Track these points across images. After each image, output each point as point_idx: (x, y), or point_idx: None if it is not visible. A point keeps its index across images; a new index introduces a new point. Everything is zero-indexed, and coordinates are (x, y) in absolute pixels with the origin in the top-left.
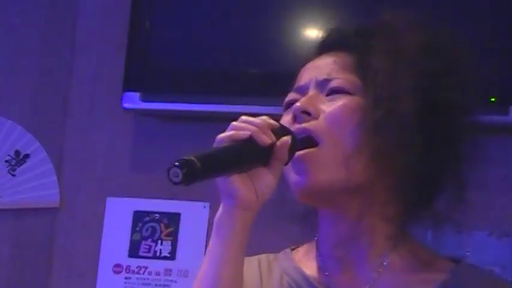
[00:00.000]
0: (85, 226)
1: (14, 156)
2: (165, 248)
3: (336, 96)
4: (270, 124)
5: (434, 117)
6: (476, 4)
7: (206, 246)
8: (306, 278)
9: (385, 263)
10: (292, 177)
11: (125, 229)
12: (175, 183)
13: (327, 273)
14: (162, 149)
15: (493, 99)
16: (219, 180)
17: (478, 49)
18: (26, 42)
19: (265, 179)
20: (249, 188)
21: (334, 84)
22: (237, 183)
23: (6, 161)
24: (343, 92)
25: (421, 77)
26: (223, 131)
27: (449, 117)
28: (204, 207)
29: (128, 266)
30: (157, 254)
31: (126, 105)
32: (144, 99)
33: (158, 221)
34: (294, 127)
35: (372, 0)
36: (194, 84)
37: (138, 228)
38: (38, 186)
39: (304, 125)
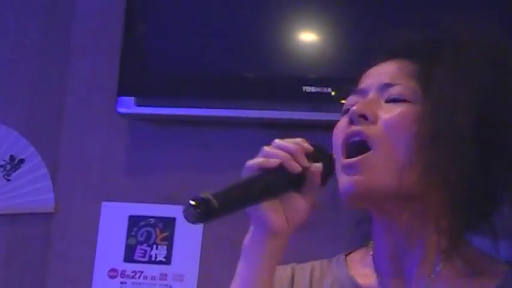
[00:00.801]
0: (80, 231)
1: (8, 161)
2: (160, 252)
3: (395, 104)
4: (304, 148)
5: (492, 133)
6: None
7: (202, 250)
8: (357, 285)
9: (437, 270)
10: (343, 179)
11: (120, 234)
12: (191, 223)
13: (380, 280)
14: (158, 153)
15: None
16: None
17: None
18: (21, 47)
19: (297, 205)
20: (280, 215)
21: (395, 90)
22: (266, 210)
23: (1, 166)
24: (403, 99)
25: (482, 91)
26: (218, 135)
27: (506, 133)
28: None
29: (123, 271)
30: (153, 259)
31: (121, 110)
32: (139, 104)
33: (153, 226)
34: (349, 129)
35: (370, 5)
36: (189, 88)
37: (133, 233)
38: (32, 191)
39: (360, 127)
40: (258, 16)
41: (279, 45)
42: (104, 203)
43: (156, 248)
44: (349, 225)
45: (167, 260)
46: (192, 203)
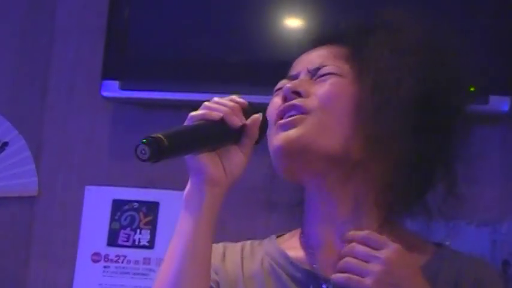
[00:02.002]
0: (63, 214)
1: None
2: (144, 237)
3: (325, 77)
4: (241, 103)
5: (430, 109)
6: None
7: None
8: (287, 257)
9: None
10: (277, 136)
11: (103, 218)
12: (143, 161)
13: (311, 251)
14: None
15: (472, 89)
16: (188, 157)
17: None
18: (5, 30)
19: (235, 157)
20: (217, 165)
21: (324, 70)
22: (204, 159)
23: None
24: (332, 73)
25: (419, 68)
26: None
27: (444, 110)
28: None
29: (107, 255)
30: (136, 243)
31: (105, 93)
32: (123, 88)
33: (137, 210)
34: (282, 105)
35: None
36: (173, 72)
37: (117, 217)
38: (16, 174)
39: (294, 101)
40: (243, 0)
41: (264, 29)
42: (87, 187)
43: (140, 233)
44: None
45: (150, 245)
46: (144, 141)
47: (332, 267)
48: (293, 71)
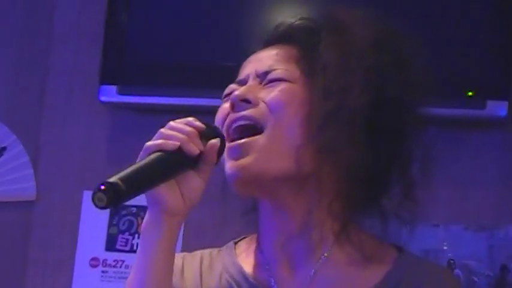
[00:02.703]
0: (62, 219)
1: None
2: None
3: (275, 83)
4: (198, 128)
5: (383, 113)
6: (454, 0)
7: (182, 239)
8: (244, 275)
9: (325, 256)
10: (229, 164)
11: (101, 222)
12: (101, 208)
13: (267, 267)
14: (139, 142)
15: (470, 94)
16: None
17: (455, 44)
18: (3, 35)
19: (193, 183)
20: (176, 193)
21: (273, 75)
22: (163, 190)
23: None
24: (281, 79)
25: (370, 71)
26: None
27: (397, 113)
28: None
29: (105, 260)
30: (135, 248)
31: (103, 98)
32: (121, 93)
33: (135, 215)
34: (233, 116)
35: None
36: (171, 77)
37: (115, 222)
38: (14, 179)
39: (243, 112)
40: (240, 5)
41: (261, 34)
42: (85, 192)
43: (138, 237)
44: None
45: None
46: (102, 187)
47: (289, 285)
48: (242, 75)
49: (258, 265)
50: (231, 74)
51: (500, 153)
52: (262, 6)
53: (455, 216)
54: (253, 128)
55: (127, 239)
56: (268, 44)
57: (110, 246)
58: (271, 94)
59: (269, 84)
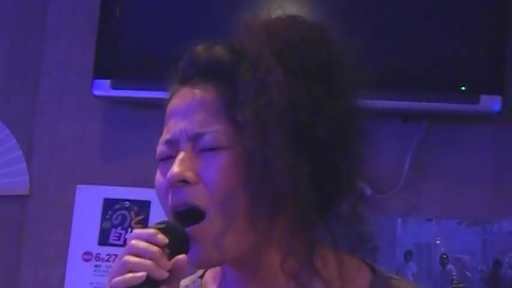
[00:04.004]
0: (55, 214)
1: None
2: None
3: (211, 154)
4: (162, 243)
5: (315, 145)
6: None
7: None
8: None
9: None
10: (188, 257)
11: (95, 217)
12: None
13: None
14: (133, 136)
15: (463, 88)
16: None
17: (449, 38)
18: None
19: None
20: None
21: (206, 141)
22: None
23: None
24: (217, 148)
25: (293, 104)
26: None
27: (327, 140)
28: None
29: (98, 254)
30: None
31: (96, 92)
32: (115, 87)
33: (128, 209)
34: (172, 199)
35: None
36: (165, 72)
37: (108, 216)
38: (7, 173)
39: (184, 195)
40: (236, 0)
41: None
42: (78, 186)
43: (131, 231)
44: None
45: None
46: None
47: None
48: (169, 132)
49: None
50: None
51: (494, 147)
52: (259, 2)
53: (449, 211)
54: (194, 210)
55: (120, 234)
56: (186, 79)
57: (103, 240)
58: (209, 171)
59: (204, 154)
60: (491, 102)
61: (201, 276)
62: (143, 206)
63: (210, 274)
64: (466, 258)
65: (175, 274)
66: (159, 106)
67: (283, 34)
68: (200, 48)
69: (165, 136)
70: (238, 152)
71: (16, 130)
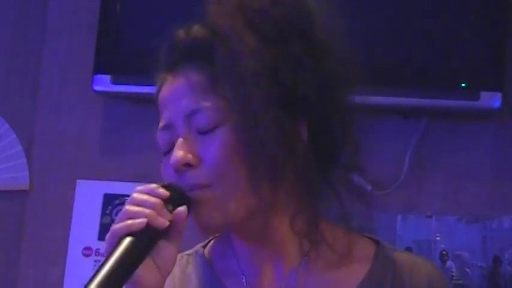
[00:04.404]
0: (55, 209)
1: None
2: None
3: (208, 135)
4: (163, 196)
5: (305, 115)
6: None
7: None
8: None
9: (302, 265)
10: (194, 220)
11: (94, 212)
12: None
13: (244, 278)
14: (133, 132)
15: (463, 85)
16: None
17: (449, 35)
18: None
19: (167, 252)
20: (152, 269)
21: (200, 120)
22: (139, 272)
23: None
24: (213, 128)
25: (271, 81)
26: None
27: (320, 107)
28: None
29: (98, 249)
30: None
31: (96, 88)
32: (115, 82)
33: None
34: (179, 182)
35: None
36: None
37: (108, 211)
38: (7, 168)
39: (189, 180)
40: None
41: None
42: (78, 181)
43: None
44: None
45: None
46: None
47: None
48: (165, 119)
49: (233, 274)
50: None
51: (494, 144)
52: None
53: (448, 208)
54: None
55: None
56: (172, 66)
57: (103, 235)
58: (210, 152)
59: (202, 137)
60: (491, 99)
61: (204, 246)
62: None
63: (212, 248)
64: (465, 255)
65: (176, 227)
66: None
67: (253, 3)
68: (179, 33)
69: (162, 123)
70: (232, 127)
71: (16, 125)
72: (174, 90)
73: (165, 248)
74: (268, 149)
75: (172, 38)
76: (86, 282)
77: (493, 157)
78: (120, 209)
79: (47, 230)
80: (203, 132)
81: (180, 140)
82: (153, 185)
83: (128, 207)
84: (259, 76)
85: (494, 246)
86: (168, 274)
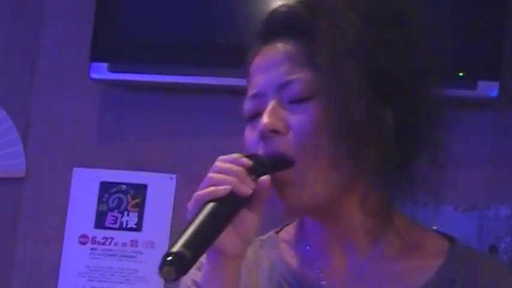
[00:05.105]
0: (51, 196)
1: None
2: (131, 219)
3: (300, 106)
4: (245, 165)
5: (393, 103)
6: None
7: (173, 217)
8: (294, 273)
9: (375, 255)
10: (277, 201)
11: (91, 200)
12: (171, 281)
13: (316, 264)
14: (130, 119)
15: (461, 74)
16: None
17: (446, 24)
18: None
19: (249, 221)
20: (234, 237)
21: (293, 90)
22: (221, 239)
23: None
24: (304, 98)
25: (370, 59)
26: (190, 102)
27: (410, 96)
28: (171, 178)
29: (94, 237)
30: (124, 225)
31: (93, 75)
32: (112, 70)
33: (125, 192)
34: (264, 148)
35: None
36: (162, 54)
37: (104, 199)
38: (3, 155)
39: (274, 147)
40: None
41: (254, 10)
42: (75, 169)
43: (127, 215)
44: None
45: (138, 227)
46: (169, 259)
47: (339, 282)
48: (255, 86)
49: (306, 260)
50: (222, 51)
51: (491, 133)
52: None
53: (445, 196)
54: (284, 159)
55: (116, 217)
56: (268, 39)
57: (99, 223)
58: (298, 122)
59: (292, 105)
60: (488, 88)
61: (277, 232)
62: (140, 190)
63: (285, 234)
64: None
65: (259, 196)
66: (156, 89)
67: None
68: (277, 8)
69: (252, 90)
70: (324, 101)
71: (12, 112)
72: (269, 60)
73: (247, 217)
74: (355, 127)
75: (270, 13)
76: (170, 244)
77: (490, 146)
78: (117, 197)
79: (43, 217)
80: (294, 102)
81: (270, 106)
82: (236, 155)
83: (212, 175)
84: (358, 54)
85: (490, 235)
86: (249, 244)
